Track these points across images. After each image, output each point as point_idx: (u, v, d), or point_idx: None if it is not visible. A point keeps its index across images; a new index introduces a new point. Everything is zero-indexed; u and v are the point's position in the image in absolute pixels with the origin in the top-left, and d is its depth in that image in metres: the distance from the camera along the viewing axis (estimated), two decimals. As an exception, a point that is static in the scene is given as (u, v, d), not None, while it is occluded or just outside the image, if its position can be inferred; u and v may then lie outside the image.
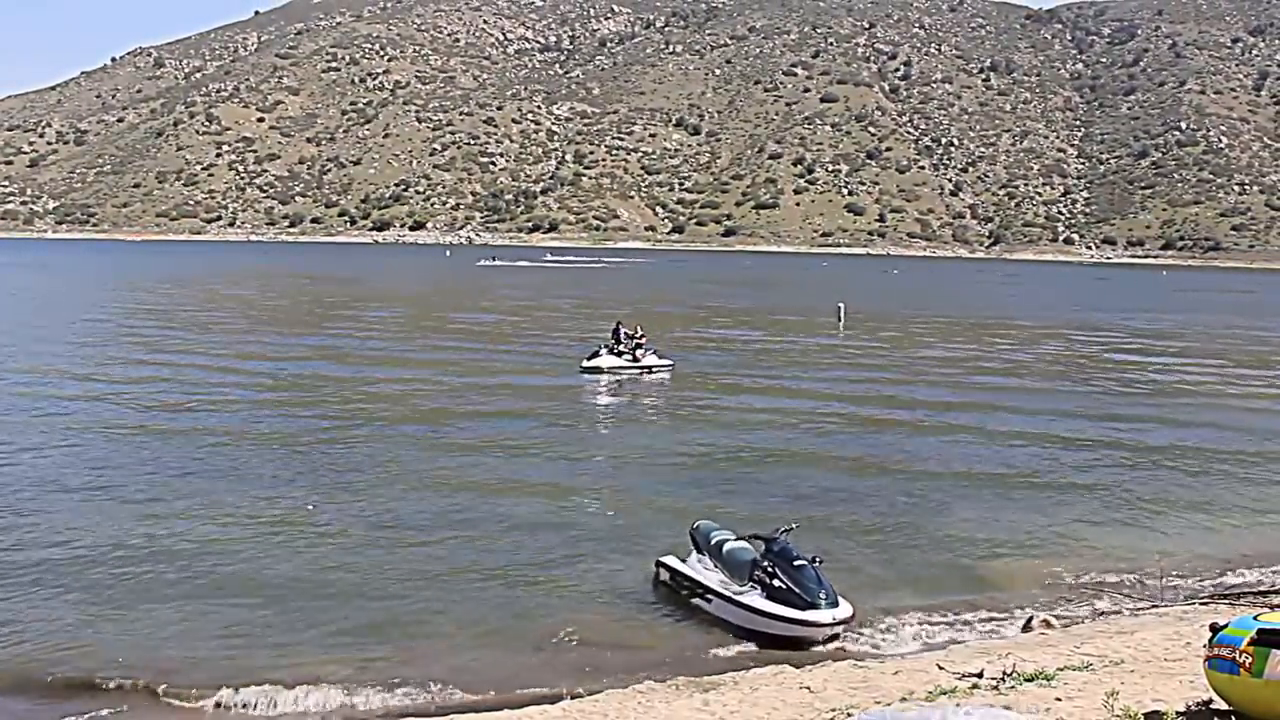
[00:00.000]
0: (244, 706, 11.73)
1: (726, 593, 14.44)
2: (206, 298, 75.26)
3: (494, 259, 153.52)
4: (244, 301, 73.65)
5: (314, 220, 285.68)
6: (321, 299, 76.61)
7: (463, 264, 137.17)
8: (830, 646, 13.58)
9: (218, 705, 11.75)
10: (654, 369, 38.74)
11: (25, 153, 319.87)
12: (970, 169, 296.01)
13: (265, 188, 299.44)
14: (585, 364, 38.09)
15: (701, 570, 15.20)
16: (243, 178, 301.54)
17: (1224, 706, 8.74)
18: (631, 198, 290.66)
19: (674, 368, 39.19)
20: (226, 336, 49.02)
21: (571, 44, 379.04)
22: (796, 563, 14.07)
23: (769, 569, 14.16)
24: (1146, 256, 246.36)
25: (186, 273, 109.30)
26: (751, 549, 14.99)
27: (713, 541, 15.48)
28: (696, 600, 14.87)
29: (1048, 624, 14.18)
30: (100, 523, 17.90)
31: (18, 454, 23.04)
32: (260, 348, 44.62)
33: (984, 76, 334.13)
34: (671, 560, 15.72)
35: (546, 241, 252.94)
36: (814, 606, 13.63)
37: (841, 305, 63.56)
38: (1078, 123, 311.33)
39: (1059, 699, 9.69)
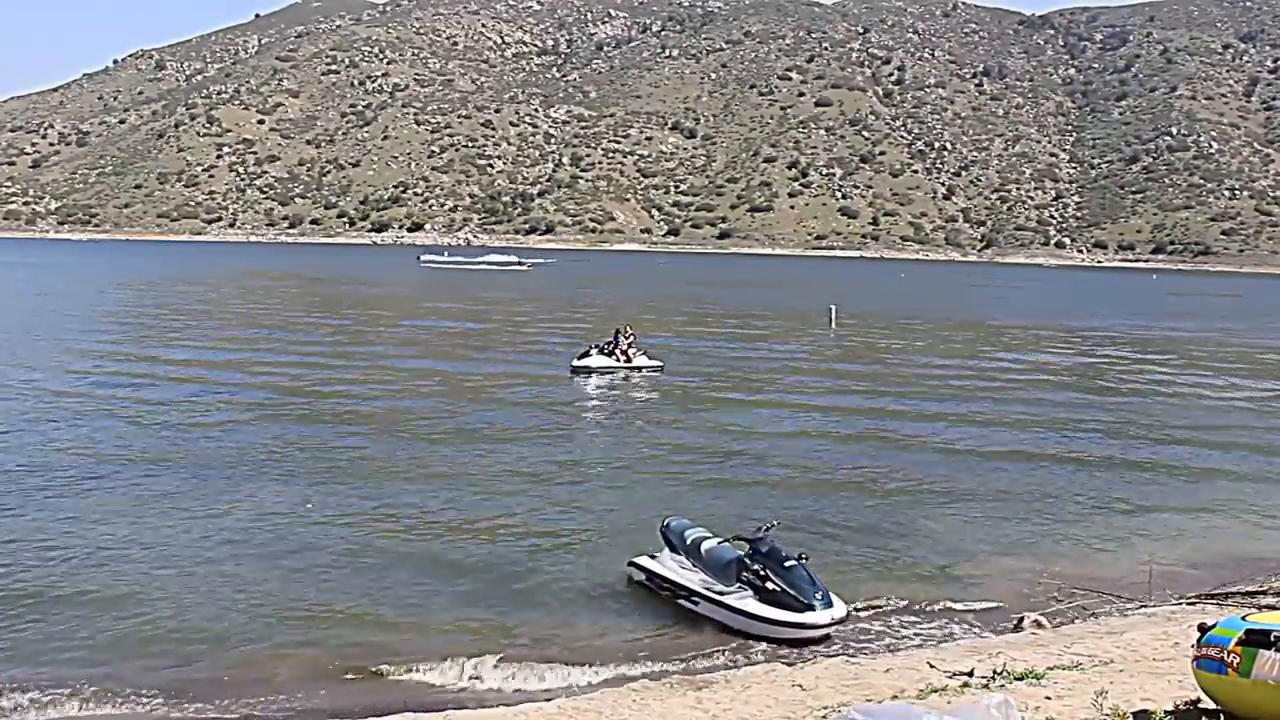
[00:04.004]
0: (236, 702, 11.66)
1: (716, 596, 14.27)
2: (205, 297, 74.41)
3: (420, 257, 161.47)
4: (240, 301, 72.82)
5: (313, 221, 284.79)
6: (316, 299, 76.66)
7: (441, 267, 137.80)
8: (823, 644, 13.57)
9: (209, 698, 11.70)
10: (644, 369, 38.70)
11: (28, 154, 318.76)
12: (963, 173, 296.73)
13: (265, 189, 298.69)
14: (575, 363, 38.10)
15: (678, 570, 15.03)
16: (243, 179, 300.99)
17: (1211, 705, 8.79)
18: (628, 200, 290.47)
19: (664, 368, 39.17)
20: (221, 336, 48.47)
21: (569, 48, 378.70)
22: (787, 564, 13.95)
23: (760, 571, 14.01)
24: (1137, 260, 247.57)
25: (187, 273, 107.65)
26: (732, 548, 14.82)
27: (688, 540, 15.26)
28: (681, 602, 14.70)
29: (1038, 624, 14.14)
30: (92, 517, 17.83)
31: (15, 452, 22.70)
32: (252, 347, 44.17)
33: (977, 81, 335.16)
34: (645, 561, 15.52)
35: (545, 244, 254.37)
36: (810, 608, 13.56)
37: (833, 307, 63.73)
38: (1070, 128, 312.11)
39: (1049, 698, 9.72)
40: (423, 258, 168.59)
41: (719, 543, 15.15)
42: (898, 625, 14.40)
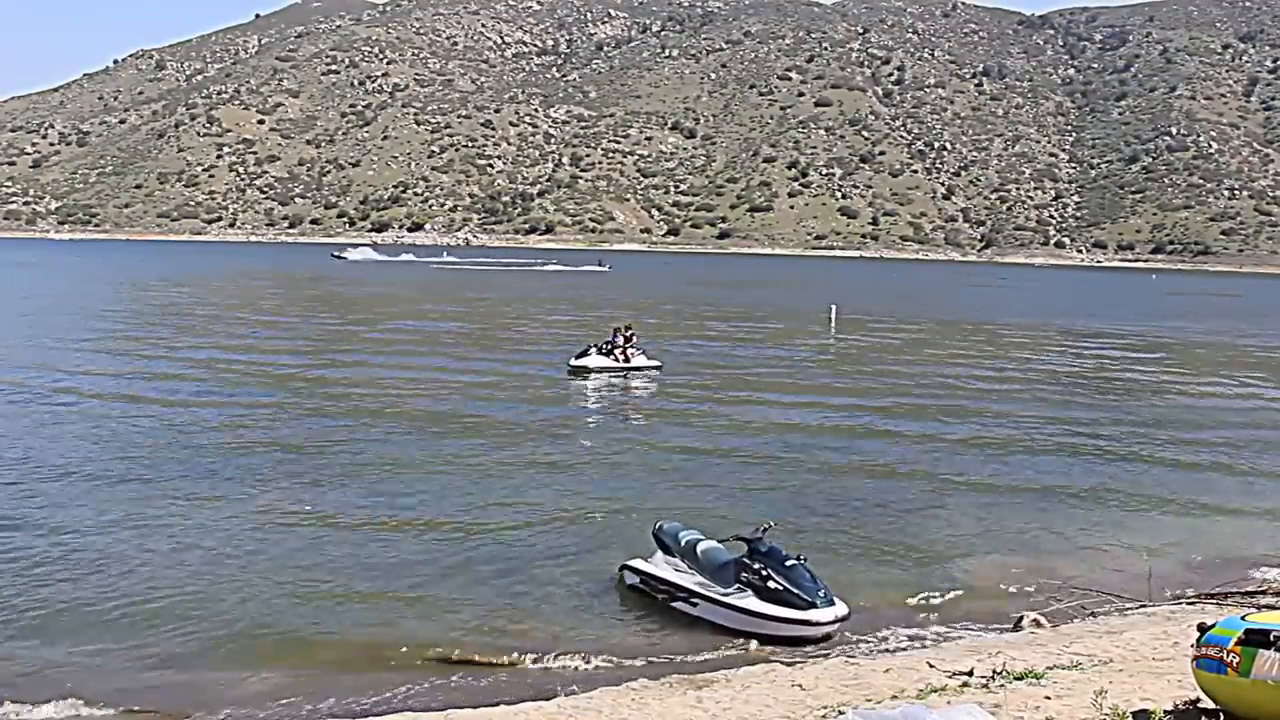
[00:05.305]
0: (233, 702, 11.62)
1: (717, 596, 14.16)
2: (202, 296, 74.20)
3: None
4: (237, 301, 72.42)
5: (313, 221, 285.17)
6: (314, 299, 76.36)
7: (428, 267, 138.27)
8: (822, 644, 13.54)
9: (206, 699, 11.66)
10: (642, 369, 38.57)
11: (28, 153, 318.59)
12: (962, 173, 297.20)
13: (265, 189, 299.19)
14: (573, 363, 37.98)
15: (673, 572, 14.90)
16: (243, 179, 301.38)
17: (1211, 705, 8.80)
18: (627, 200, 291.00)
19: (662, 368, 39.05)
20: (219, 336, 48.07)
21: (569, 48, 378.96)
22: (788, 563, 13.91)
23: (761, 571, 13.90)
24: (1136, 260, 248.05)
25: (187, 273, 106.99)
26: (727, 550, 14.77)
27: (683, 542, 15.15)
28: (678, 604, 14.55)
29: (1037, 623, 14.15)
30: (87, 517, 17.80)
31: (10, 453, 22.64)
32: (249, 348, 43.99)
33: (976, 81, 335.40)
34: (639, 563, 15.37)
35: (545, 243, 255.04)
36: (813, 605, 13.53)
37: (833, 307, 63.85)
38: (1069, 127, 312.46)
39: (1048, 697, 9.74)
40: (337, 254, 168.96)
41: (716, 545, 15.07)
42: (897, 625, 14.37)
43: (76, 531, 17.35)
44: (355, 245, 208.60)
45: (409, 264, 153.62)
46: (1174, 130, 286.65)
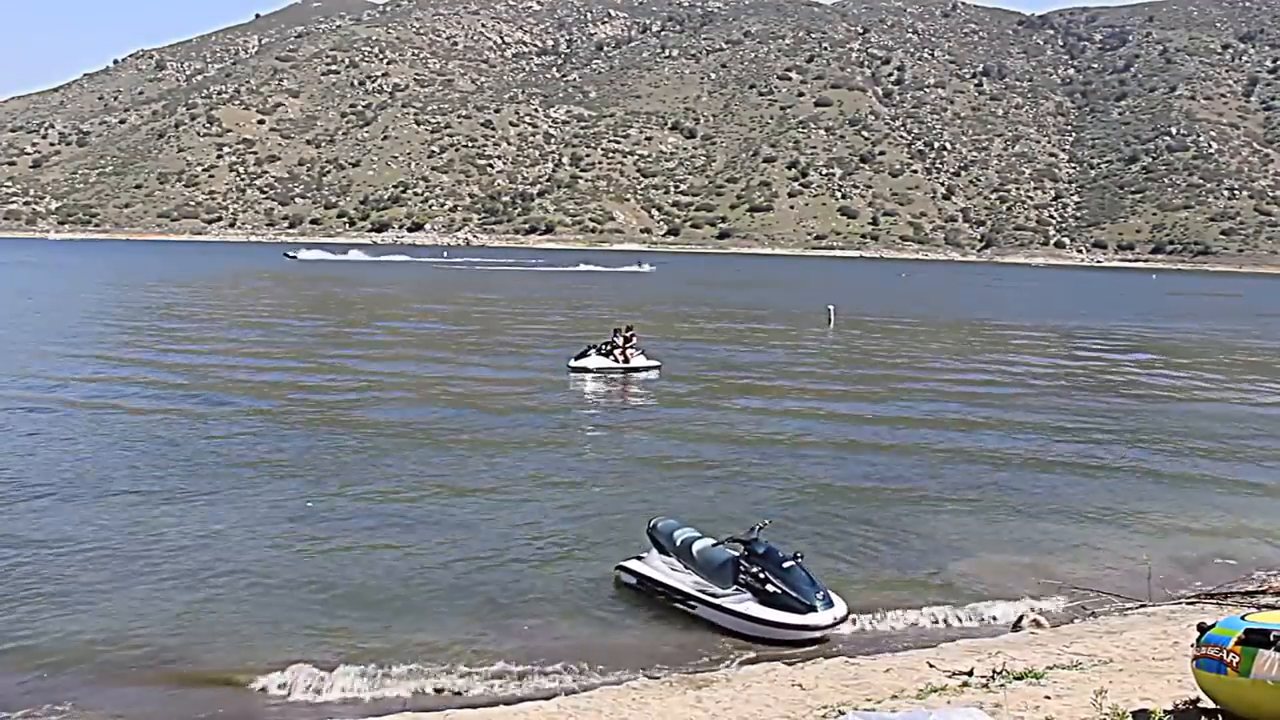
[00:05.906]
0: (234, 702, 11.64)
1: (714, 600, 14.09)
2: (201, 297, 74.10)
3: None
4: (236, 303, 72.02)
5: (313, 221, 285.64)
6: (314, 300, 76.40)
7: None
8: (823, 644, 13.51)
9: (205, 699, 11.67)
10: (641, 370, 38.70)
11: (28, 153, 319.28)
12: (962, 173, 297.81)
13: (265, 189, 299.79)
14: (573, 363, 38.10)
15: (669, 572, 14.82)
16: (243, 179, 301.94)
17: (1211, 705, 8.81)
18: (627, 200, 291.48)
19: (661, 369, 39.16)
20: (213, 336, 48.21)
21: (569, 48, 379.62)
22: (785, 564, 13.83)
23: (759, 574, 13.82)
24: (1136, 260, 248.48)
25: (187, 273, 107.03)
26: (726, 549, 14.62)
27: (678, 541, 15.08)
28: (677, 605, 14.46)
29: (1037, 623, 14.17)
30: (94, 517, 17.75)
31: (13, 454, 22.62)
32: (246, 350, 43.87)
33: (976, 81, 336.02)
34: (635, 564, 15.26)
35: (543, 243, 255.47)
36: (812, 609, 13.47)
37: (831, 307, 63.85)
38: (1069, 128, 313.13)
39: (1048, 697, 9.75)
40: (295, 254, 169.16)
41: (712, 544, 14.94)
42: (897, 625, 14.34)
43: (60, 540, 17.22)
44: (354, 245, 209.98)
45: (407, 264, 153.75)
46: (1174, 130, 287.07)
